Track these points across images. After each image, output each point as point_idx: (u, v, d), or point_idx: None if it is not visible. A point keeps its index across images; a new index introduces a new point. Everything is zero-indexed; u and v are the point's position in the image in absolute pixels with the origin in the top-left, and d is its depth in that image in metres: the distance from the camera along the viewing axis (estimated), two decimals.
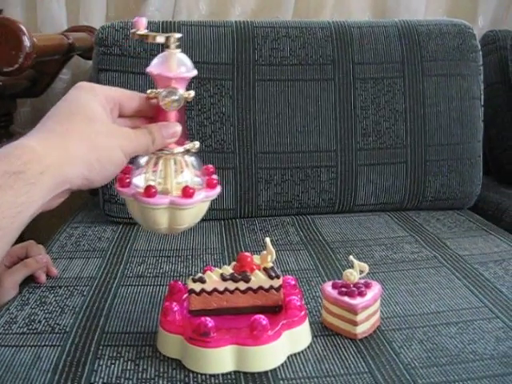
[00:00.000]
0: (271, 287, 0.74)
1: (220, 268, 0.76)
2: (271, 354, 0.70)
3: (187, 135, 0.70)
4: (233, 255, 1.01)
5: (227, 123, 1.20)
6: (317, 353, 0.73)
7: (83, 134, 0.61)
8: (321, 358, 0.72)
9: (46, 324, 0.81)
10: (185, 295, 0.78)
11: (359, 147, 1.22)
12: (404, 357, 0.72)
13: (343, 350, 0.73)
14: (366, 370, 0.69)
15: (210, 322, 0.69)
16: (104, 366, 0.71)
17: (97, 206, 1.27)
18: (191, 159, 0.70)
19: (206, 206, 0.70)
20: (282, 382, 0.67)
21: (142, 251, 1.06)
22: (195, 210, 0.68)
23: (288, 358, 0.72)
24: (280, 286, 0.74)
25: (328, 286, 0.78)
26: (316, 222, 1.19)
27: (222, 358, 0.69)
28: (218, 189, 0.71)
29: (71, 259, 1.03)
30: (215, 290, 0.73)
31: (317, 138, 1.21)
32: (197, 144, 0.70)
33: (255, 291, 0.74)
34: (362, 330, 0.75)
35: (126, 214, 1.19)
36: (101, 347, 0.75)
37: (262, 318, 0.69)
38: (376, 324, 0.78)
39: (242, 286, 0.73)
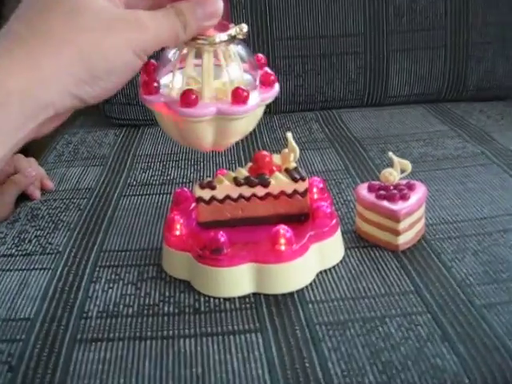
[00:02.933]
0: (295, 192, 0.61)
1: (233, 171, 0.64)
2: (297, 273, 0.58)
3: (229, 15, 0.52)
4: (249, 156, 0.88)
5: (238, 5, 1.04)
6: (351, 268, 0.61)
7: (64, 34, 0.44)
8: (356, 274, 0.60)
9: (36, 244, 0.70)
10: (192, 205, 0.66)
11: (391, 29, 1.06)
12: (456, 272, 0.60)
13: (383, 264, 0.61)
14: (412, 288, 0.57)
15: (222, 235, 0.57)
16: (100, 291, 0.60)
17: (97, 107, 1.13)
18: (238, 49, 0.54)
19: (261, 112, 0.56)
20: (310, 305, 0.56)
21: (147, 156, 0.94)
22: (249, 118, 0.53)
23: (317, 275, 0.60)
24: (306, 191, 0.61)
25: (363, 189, 0.65)
26: (343, 116, 1.05)
27: (238, 279, 0.57)
28: (276, 87, 0.55)
29: (68, 169, 0.91)
30: (228, 197, 0.61)
31: (342, 21, 1.05)
32: (244, 27, 0.53)
33: (276, 197, 0.61)
34: (405, 240, 0.63)
35: (128, 116, 1.06)
36: (97, 269, 0.64)
37: (285, 230, 0.57)
38: (420, 232, 0.65)
39: (260, 191, 0.61)
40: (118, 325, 0.55)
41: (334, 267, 0.61)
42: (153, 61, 0.54)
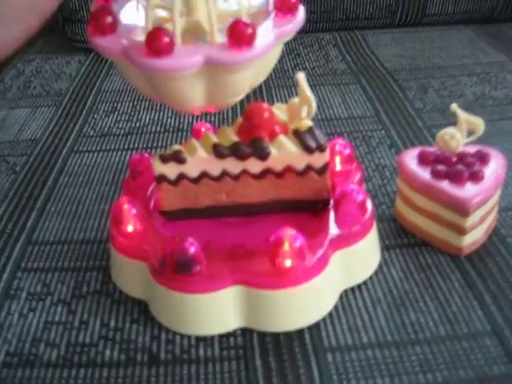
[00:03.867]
0: (309, 168, 0.40)
1: (216, 131, 0.42)
2: (310, 300, 0.37)
3: None
4: (241, 106, 0.66)
5: None
6: (392, 286, 0.40)
7: None
8: (400, 297, 0.39)
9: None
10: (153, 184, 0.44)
11: None
12: None
13: (439, 280, 0.41)
14: (488, 327, 0.37)
15: (192, 243, 0.36)
16: (16, 316, 0.40)
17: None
18: None
19: (277, 52, 0.37)
20: (329, 355, 0.36)
21: (114, 93, 0.71)
22: (258, 65, 0.34)
23: (341, 297, 0.39)
24: (326, 166, 0.40)
25: (411, 159, 0.44)
26: (368, 39, 0.81)
27: (217, 310, 0.37)
28: (300, 14, 0.36)
29: (12, 111, 0.69)
30: (205, 174, 0.40)
31: None
32: None
33: (280, 175, 0.40)
34: (473, 239, 0.42)
35: None
36: (19, 274, 0.44)
37: (293, 236, 0.36)
38: (491, 226, 0.44)
39: (256, 166, 0.39)
40: (33, 380, 0.36)
41: (365, 283, 0.40)
42: None
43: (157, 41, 0.32)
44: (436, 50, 0.77)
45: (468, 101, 0.63)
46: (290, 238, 0.35)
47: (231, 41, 0.32)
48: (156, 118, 0.64)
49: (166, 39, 0.32)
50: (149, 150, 0.58)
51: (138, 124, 0.64)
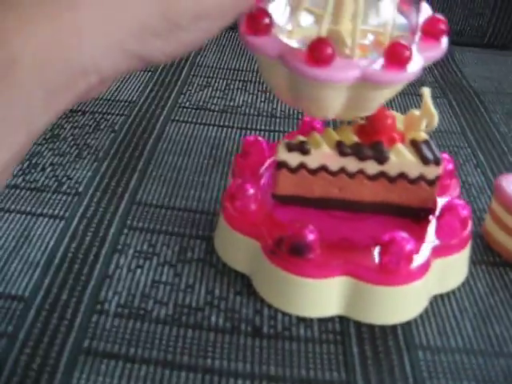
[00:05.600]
0: (422, 178, 0.42)
1: (335, 128, 0.45)
2: (409, 299, 0.40)
3: None
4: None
5: None
6: (478, 299, 0.43)
7: None
8: (485, 310, 0.42)
9: (51, 175, 0.53)
10: (266, 163, 0.47)
11: None
12: None
13: None
14: None
15: (311, 231, 0.39)
16: (125, 270, 0.43)
17: None
18: None
19: None
20: (421, 353, 0.38)
21: (207, 68, 0.74)
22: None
23: (431, 302, 0.42)
24: (437, 179, 0.42)
25: (508, 183, 0.46)
26: (456, 56, 0.83)
27: (323, 295, 0.40)
28: (444, 41, 0.38)
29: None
30: (324, 168, 0.42)
31: None
32: None
33: (392, 180, 0.42)
34: None
35: None
36: (125, 230, 0.47)
37: (406, 240, 0.38)
38: None
39: (372, 168, 0.42)
40: (143, 334, 0.38)
41: (453, 292, 0.43)
42: None
43: (321, 51, 0.33)
44: None
45: None
46: (403, 240, 0.38)
47: (389, 60, 0.34)
48: (249, 100, 0.67)
49: (330, 50, 0.33)
50: (243, 131, 0.61)
51: (231, 103, 0.66)
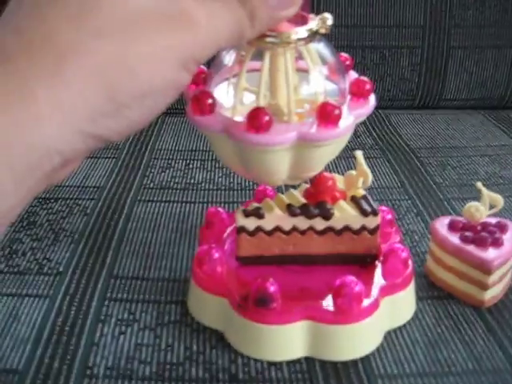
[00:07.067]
0: (364, 228, 0.48)
1: (283, 193, 0.51)
2: (364, 335, 0.45)
3: (309, 2, 0.40)
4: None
5: None
6: (427, 330, 0.48)
7: (68, 44, 0.30)
8: (434, 339, 0.47)
9: (32, 259, 0.57)
10: (228, 230, 0.53)
11: (454, 23, 0.92)
12: None
13: (465, 326, 0.49)
14: (508, 366, 0.45)
15: (272, 283, 0.44)
16: (109, 337, 0.48)
17: None
18: (319, 48, 0.42)
19: (351, 132, 0.43)
20: (380, 380, 0.43)
21: (167, 151, 0.80)
22: (337, 142, 0.41)
23: (385, 337, 0.47)
24: (377, 227, 0.49)
25: (443, 226, 0.52)
26: (392, 119, 0.91)
27: (288, 339, 0.45)
28: (372, 100, 0.43)
29: None
30: (278, 229, 0.48)
31: (400, 10, 0.91)
32: (328, 19, 0.40)
33: (338, 233, 0.49)
34: (492, 294, 0.50)
35: None
36: (106, 302, 0.52)
37: (354, 282, 0.44)
38: (508, 284, 0.53)
39: (320, 224, 0.48)
40: None
41: (404, 326, 0.49)
42: (201, 66, 0.41)
43: (258, 119, 0.38)
44: (452, 132, 0.87)
45: (482, 178, 0.73)
46: (352, 283, 0.44)
47: (321, 120, 0.39)
48: (208, 176, 0.73)
49: (267, 118, 0.38)
50: (205, 205, 0.67)
51: (192, 181, 0.72)
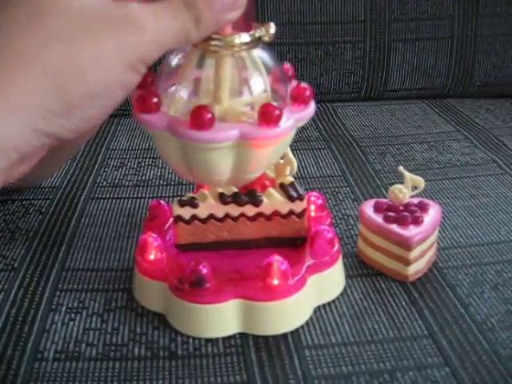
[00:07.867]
0: (291, 212, 0.52)
1: None
2: (292, 311, 0.49)
3: (253, 10, 0.43)
4: None
5: None
6: (354, 304, 0.52)
7: (23, 48, 0.33)
8: (360, 312, 0.51)
9: None
10: (170, 221, 0.57)
11: (394, 17, 0.97)
12: (475, 311, 0.51)
13: (390, 299, 0.53)
14: (425, 332, 0.49)
15: (204, 266, 0.48)
16: (59, 324, 0.51)
17: None
18: (261, 55, 0.44)
19: (291, 136, 0.46)
20: (307, 351, 0.47)
21: (121, 151, 0.84)
22: (278, 145, 0.44)
23: (314, 312, 0.51)
24: (304, 211, 0.53)
25: (368, 208, 0.57)
26: (338, 111, 0.96)
27: (222, 317, 0.49)
28: (312, 106, 0.46)
29: None
30: (212, 216, 0.52)
31: (340, 5, 0.96)
32: (272, 28, 0.43)
33: (268, 218, 0.53)
34: (416, 269, 0.55)
35: None
36: (58, 293, 0.55)
37: (280, 261, 0.48)
38: (432, 259, 0.57)
39: (250, 210, 0.52)
40: (79, 371, 0.46)
41: (333, 301, 0.53)
42: (150, 71, 0.44)
43: (201, 116, 0.40)
44: (395, 121, 0.92)
45: (418, 164, 0.77)
46: (278, 262, 0.48)
47: (262, 119, 0.41)
48: (159, 173, 0.77)
49: (209, 115, 0.41)
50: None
51: (143, 178, 0.76)
